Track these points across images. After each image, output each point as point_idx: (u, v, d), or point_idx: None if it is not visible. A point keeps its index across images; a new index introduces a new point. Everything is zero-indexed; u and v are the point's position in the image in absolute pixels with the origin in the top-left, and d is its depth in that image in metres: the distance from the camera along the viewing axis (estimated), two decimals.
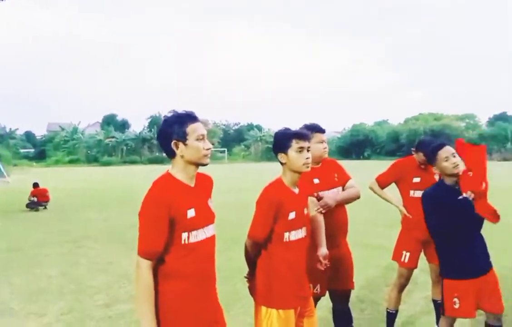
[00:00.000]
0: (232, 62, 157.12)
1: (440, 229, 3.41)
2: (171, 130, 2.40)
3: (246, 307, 4.69)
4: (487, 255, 3.43)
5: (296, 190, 2.94)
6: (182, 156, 2.40)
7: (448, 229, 3.36)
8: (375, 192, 4.47)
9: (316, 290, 3.52)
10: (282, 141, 2.91)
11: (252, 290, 3.00)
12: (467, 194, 3.25)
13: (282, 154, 2.89)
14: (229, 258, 6.76)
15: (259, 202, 2.87)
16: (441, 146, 3.43)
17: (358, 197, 3.71)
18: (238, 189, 19.48)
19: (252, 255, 2.95)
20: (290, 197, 2.87)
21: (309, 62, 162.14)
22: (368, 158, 57.87)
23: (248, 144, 66.67)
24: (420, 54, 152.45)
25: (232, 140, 70.31)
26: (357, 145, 62.04)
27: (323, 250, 3.12)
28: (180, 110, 2.48)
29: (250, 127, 71.68)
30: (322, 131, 3.64)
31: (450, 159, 3.35)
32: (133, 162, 56.04)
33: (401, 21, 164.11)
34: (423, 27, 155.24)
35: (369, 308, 5.22)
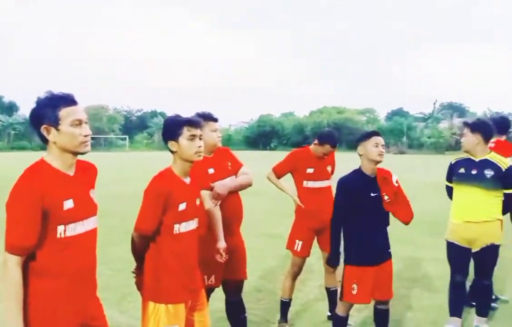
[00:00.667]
0: (136, 45, 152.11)
1: (348, 216, 3.57)
2: (42, 114, 2.16)
3: (138, 302, 4.51)
4: (387, 246, 3.66)
5: (188, 180, 2.83)
6: (54, 143, 2.17)
7: (356, 217, 3.55)
8: (271, 182, 4.50)
9: (211, 281, 3.48)
10: (172, 128, 2.79)
11: (139, 285, 2.86)
12: (384, 196, 3.51)
13: (173, 142, 2.77)
14: (127, 250, 6.41)
15: (147, 193, 2.71)
16: (376, 133, 3.60)
17: (251, 184, 3.71)
18: (139, 178, 18.60)
19: (140, 249, 2.79)
20: (180, 187, 2.75)
21: (216, 50, 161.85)
22: (274, 149, 59.05)
23: (152, 132, 64.47)
24: (325, 48, 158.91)
25: (134, 127, 67.85)
26: (264, 136, 63.12)
27: (221, 243, 3.12)
28: (57, 91, 2.25)
29: (154, 114, 69.61)
30: (215, 119, 3.59)
31: (379, 147, 3.51)
32: (22, 148, 51.59)
33: (306, 14, 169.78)
34: (328, 21, 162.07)
35: (266, 298, 5.26)
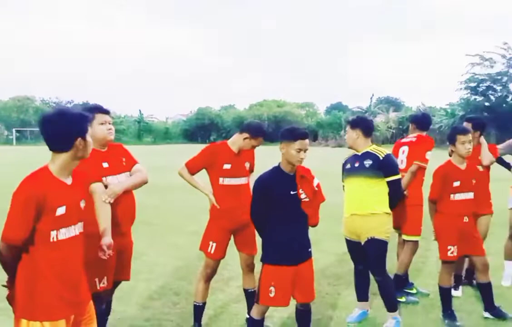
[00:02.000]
0: (65, 34, 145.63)
1: (265, 215, 3.45)
2: None
3: None
4: (307, 245, 3.53)
5: (69, 181, 2.48)
6: None
7: (273, 215, 3.42)
8: (183, 178, 4.19)
9: (103, 283, 3.30)
10: None
11: (11, 300, 2.47)
12: (301, 194, 3.41)
13: None
14: None
15: (15, 196, 2.33)
16: (302, 137, 3.38)
17: (146, 182, 3.58)
18: None
19: (9, 261, 2.40)
20: (58, 189, 2.40)
21: (153, 40, 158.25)
22: (214, 142, 58.67)
23: None
24: (266, 41, 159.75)
25: None
26: (203, 128, 62.49)
27: (107, 239, 2.92)
28: None
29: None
30: (105, 111, 3.42)
31: (301, 153, 3.36)
32: None
33: (248, 6, 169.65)
34: (268, 14, 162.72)
35: (183, 301, 4.97)
